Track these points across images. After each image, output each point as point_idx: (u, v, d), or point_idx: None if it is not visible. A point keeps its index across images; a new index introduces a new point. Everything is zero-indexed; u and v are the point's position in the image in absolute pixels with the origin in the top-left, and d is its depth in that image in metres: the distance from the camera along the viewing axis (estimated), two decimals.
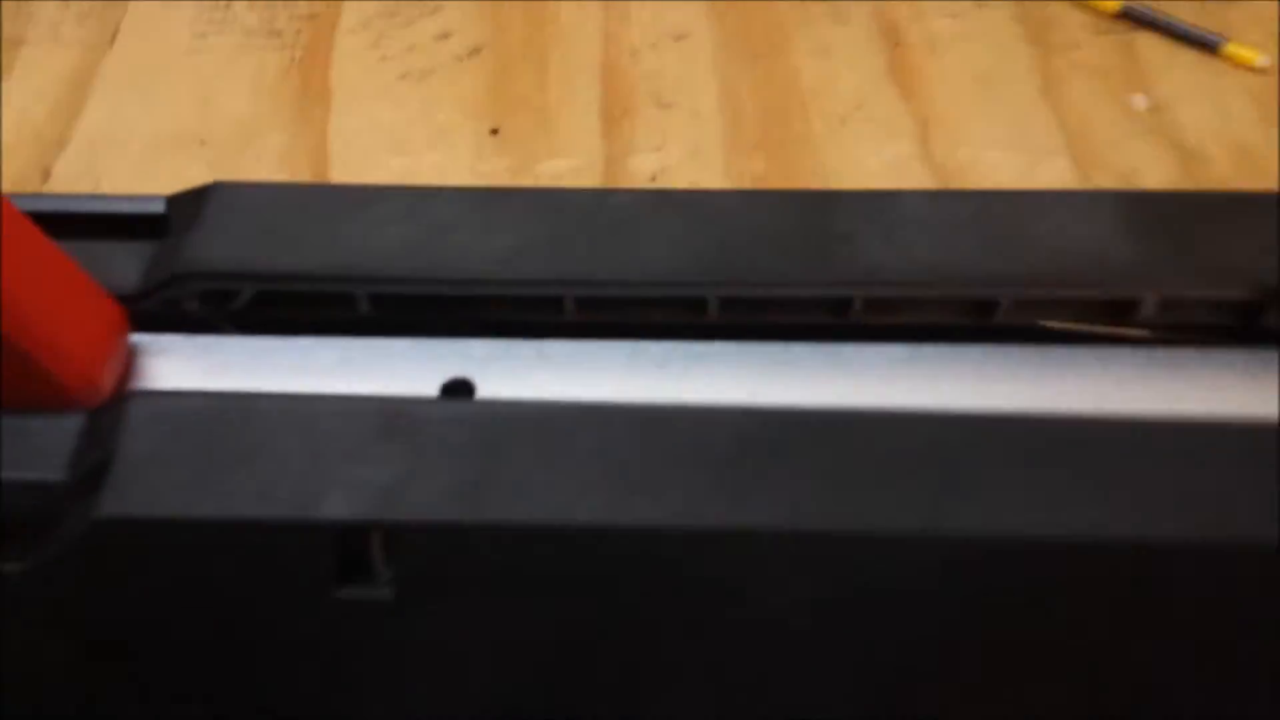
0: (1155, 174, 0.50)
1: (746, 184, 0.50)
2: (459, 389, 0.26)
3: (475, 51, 0.55)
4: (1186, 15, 0.57)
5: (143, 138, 0.51)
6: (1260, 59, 0.55)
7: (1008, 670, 0.24)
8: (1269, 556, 0.22)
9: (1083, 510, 0.23)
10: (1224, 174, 0.51)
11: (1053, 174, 0.50)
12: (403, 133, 0.51)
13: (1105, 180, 0.50)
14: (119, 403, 0.24)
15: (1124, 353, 0.28)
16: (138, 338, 0.27)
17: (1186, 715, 0.25)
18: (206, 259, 0.27)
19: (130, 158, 0.50)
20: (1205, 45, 0.56)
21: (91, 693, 0.24)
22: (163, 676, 0.23)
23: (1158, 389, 0.27)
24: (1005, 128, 0.53)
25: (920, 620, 0.23)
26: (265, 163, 0.49)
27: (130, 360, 0.26)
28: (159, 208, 0.28)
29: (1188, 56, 0.56)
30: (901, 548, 0.22)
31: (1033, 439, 0.24)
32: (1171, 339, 0.28)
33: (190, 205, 0.28)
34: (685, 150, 0.51)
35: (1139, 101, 0.54)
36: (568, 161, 0.50)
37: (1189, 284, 0.27)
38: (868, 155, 0.51)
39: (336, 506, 0.22)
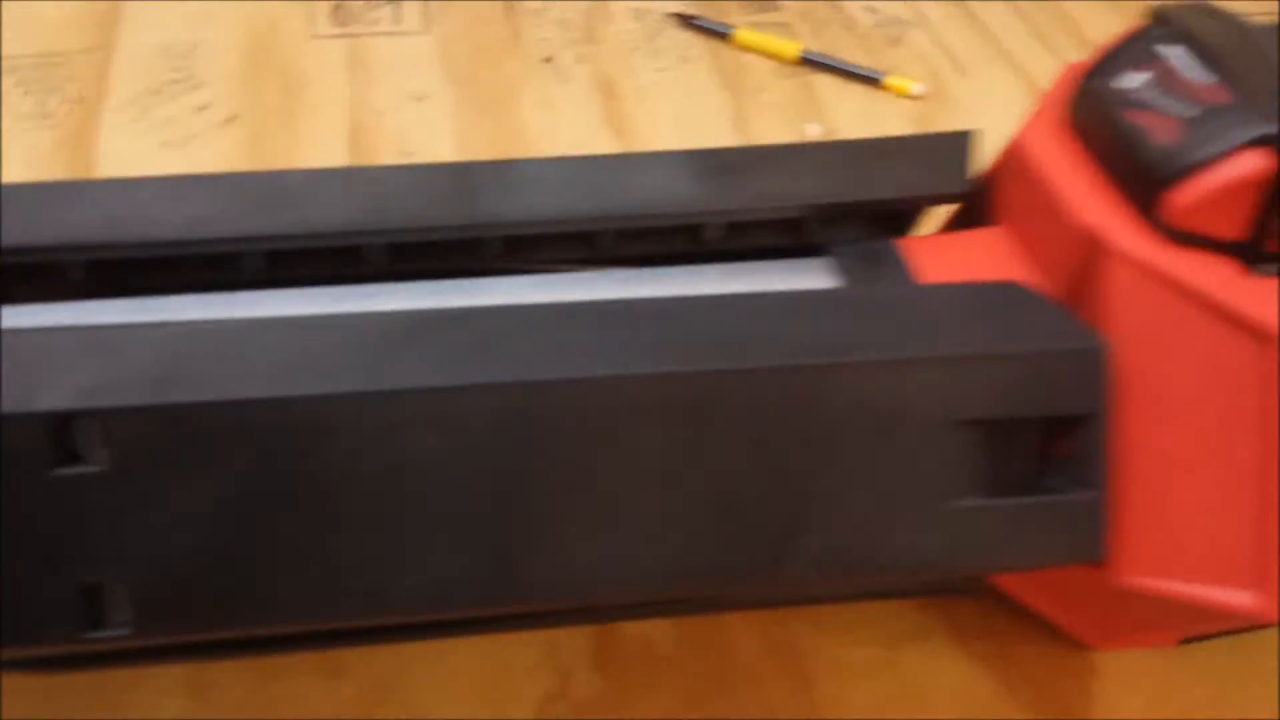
0: None
1: None
2: None
3: (232, 119, 0.61)
4: (856, 57, 0.67)
5: None
6: (915, 88, 0.65)
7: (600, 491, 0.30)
8: (794, 376, 0.30)
9: (647, 353, 0.30)
10: None
11: None
12: None
13: None
14: None
15: (700, 269, 0.36)
16: None
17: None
18: None
19: None
20: (870, 80, 0.66)
21: None
22: None
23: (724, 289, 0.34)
24: None
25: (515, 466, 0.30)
26: None
27: None
28: None
29: (857, 90, 0.66)
30: (510, 394, 0.29)
31: (615, 313, 0.31)
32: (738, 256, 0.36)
33: None
34: None
35: (813, 129, 0.63)
36: None
37: (747, 208, 0.35)
38: None
39: (49, 401, 0.27)
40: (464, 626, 0.39)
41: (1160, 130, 0.31)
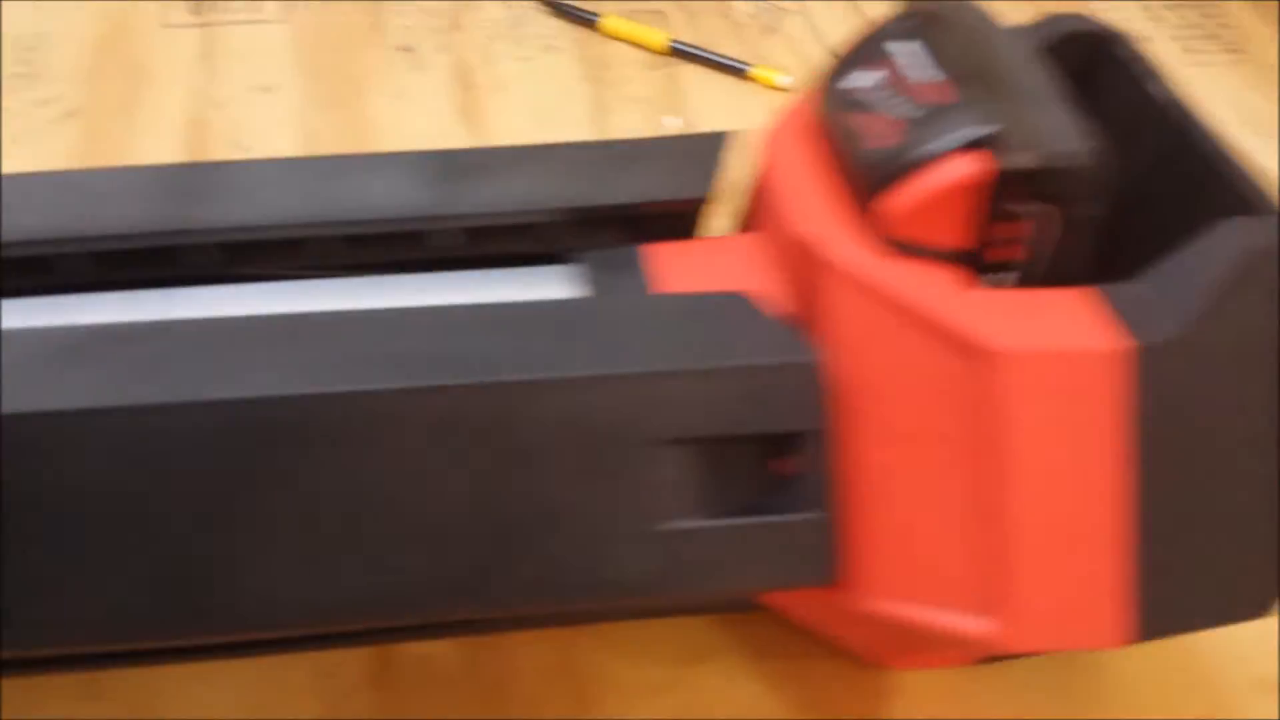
0: None
1: None
2: None
3: (71, 114, 0.59)
4: (730, 46, 0.66)
5: None
6: (780, 79, 0.63)
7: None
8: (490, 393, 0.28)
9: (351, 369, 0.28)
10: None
11: None
12: None
13: None
14: None
15: (431, 277, 0.34)
16: None
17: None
18: None
19: None
20: (736, 71, 0.64)
21: None
22: None
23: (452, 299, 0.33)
24: None
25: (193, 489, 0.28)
26: None
27: None
28: None
29: (723, 82, 0.64)
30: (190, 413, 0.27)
31: (306, 326, 0.29)
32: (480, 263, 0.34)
33: None
34: None
35: (671, 122, 0.61)
36: None
37: (476, 214, 0.33)
38: None
39: None
40: (230, 649, 0.38)
41: (880, 133, 0.29)
